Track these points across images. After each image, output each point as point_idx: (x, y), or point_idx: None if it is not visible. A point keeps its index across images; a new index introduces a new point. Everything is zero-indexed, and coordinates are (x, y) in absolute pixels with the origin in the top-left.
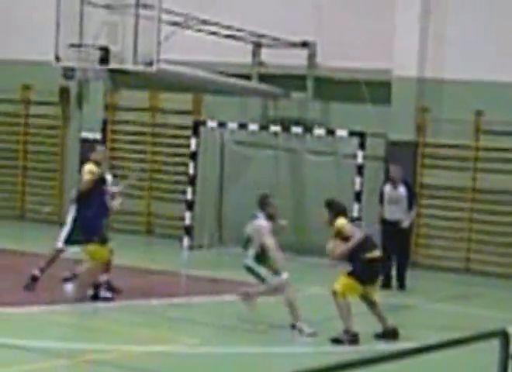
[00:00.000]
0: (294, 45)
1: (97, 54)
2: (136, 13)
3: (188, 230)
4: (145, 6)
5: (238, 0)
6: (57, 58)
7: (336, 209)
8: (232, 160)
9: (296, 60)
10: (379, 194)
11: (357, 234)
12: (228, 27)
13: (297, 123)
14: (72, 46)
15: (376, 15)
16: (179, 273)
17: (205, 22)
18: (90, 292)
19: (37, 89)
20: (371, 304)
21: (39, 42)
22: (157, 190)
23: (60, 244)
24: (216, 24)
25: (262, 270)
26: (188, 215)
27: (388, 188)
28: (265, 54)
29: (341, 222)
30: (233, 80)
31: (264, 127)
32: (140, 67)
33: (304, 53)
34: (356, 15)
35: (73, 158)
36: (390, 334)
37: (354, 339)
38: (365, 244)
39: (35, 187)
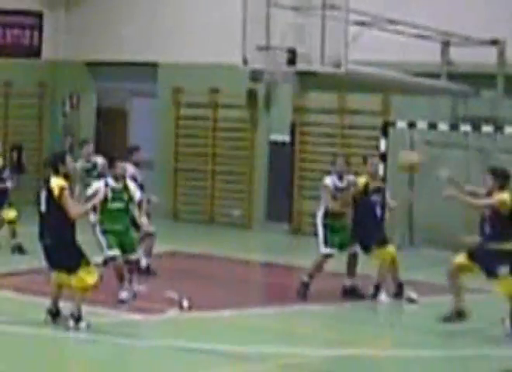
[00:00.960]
0: (483, 43)
1: (284, 56)
2: (322, 14)
3: None
4: (332, 7)
5: None
6: (245, 61)
7: (502, 179)
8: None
9: (486, 57)
10: None
11: None
12: (416, 26)
13: (487, 122)
14: (259, 48)
15: None
16: (369, 275)
17: (392, 22)
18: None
19: (225, 92)
20: None
21: (226, 45)
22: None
23: (323, 249)
24: (403, 23)
25: None
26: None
27: None
28: (454, 52)
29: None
30: (421, 79)
31: (454, 126)
32: (329, 69)
33: (494, 50)
34: None
35: (262, 161)
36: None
37: None
38: None
39: (224, 191)
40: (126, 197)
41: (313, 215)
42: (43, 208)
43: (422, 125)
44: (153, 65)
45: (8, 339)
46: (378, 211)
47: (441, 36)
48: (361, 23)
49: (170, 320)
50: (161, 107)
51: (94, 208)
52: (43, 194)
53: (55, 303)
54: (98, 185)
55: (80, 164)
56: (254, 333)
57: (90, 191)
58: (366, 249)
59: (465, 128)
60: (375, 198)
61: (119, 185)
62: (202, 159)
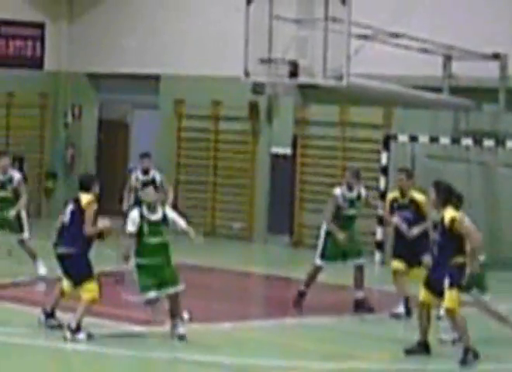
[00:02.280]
0: (485, 57)
1: (286, 69)
2: (325, 27)
3: (380, 245)
4: (334, 20)
5: (428, 12)
6: (247, 73)
7: (443, 194)
8: (423, 174)
9: (488, 72)
10: None
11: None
12: (418, 40)
13: (489, 136)
14: (261, 61)
15: None
16: (370, 288)
17: (394, 35)
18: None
19: (227, 105)
20: None
21: (228, 57)
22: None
23: (317, 261)
24: (405, 36)
25: None
26: (379, 230)
27: None
28: (456, 66)
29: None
30: (423, 93)
31: (455, 140)
32: (330, 82)
33: (496, 64)
34: None
35: (263, 173)
36: None
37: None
38: None
39: (225, 203)
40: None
41: (314, 228)
42: (66, 219)
43: (423, 138)
44: (155, 77)
45: (9, 350)
46: (404, 227)
47: (442, 49)
48: (364, 36)
49: (170, 332)
50: (163, 119)
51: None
52: (69, 207)
53: (53, 308)
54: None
55: None
56: (255, 346)
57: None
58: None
59: (467, 142)
60: (404, 213)
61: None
62: (203, 171)
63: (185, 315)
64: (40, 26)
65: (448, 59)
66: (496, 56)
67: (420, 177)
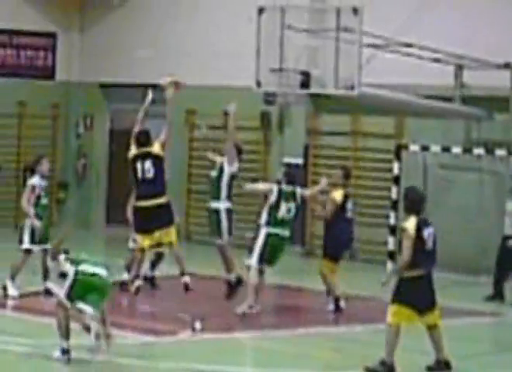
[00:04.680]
0: (497, 66)
1: (298, 79)
2: (336, 37)
3: (392, 255)
4: (345, 30)
5: (440, 22)
6: (258, 83)
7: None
8: (435, 183)
9: (499, 81)
10: None
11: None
12: (429, 49)
13: (501, 145)
14: (273, 70)
15: None
16: (381, 298)
17: (406, 45)
18: None
19: (238, 114)
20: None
21: (239, 67)
22: (359, 214)
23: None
24: (417, 46)
25: None
26: (391, 240)
27: None
28: (467, 76)
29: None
30: (435, 102)
31: (467, 150)
32: (342, 91)
33: (507, 74)
34: None
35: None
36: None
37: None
38: None
39: (237, 213)
40: None
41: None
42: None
43: (435, 148)
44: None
45: (16, 360)
46: None
47: (454, 59)
48: (375, 46)
49: (182, 342)
50: (174, 129)
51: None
52: (146, 163)
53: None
54: None
55: None
56: (267, 356)
57: None
58: None
59: (479, 151)
60: None
61: None
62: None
63: (197, 325)
64: (52, 36)
65: (459, 68)
66: (507, 66)
67: (432, 186)
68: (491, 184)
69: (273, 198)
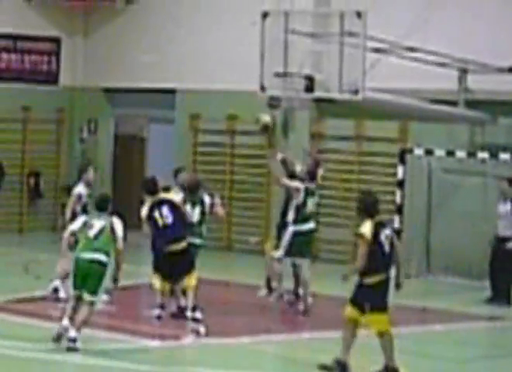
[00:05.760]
0: (501, 70)
1: (302, 83)
2: (340, 41)
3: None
4: (350, 34)
5: (444, 26)
6: (262, 87)
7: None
8: (439, 187)
9: (503, 85)
10: None
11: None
12: (433, 53)
13: (505, 149)
14: (277, 75)
15: None
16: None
17: (410, 49)
18: None
19: (242, 119)
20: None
21: (243, 71)
22: None
23: None
24: (421, 50)
25: None
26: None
27: None
28: (471, 80)
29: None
30: (439, 106)
31: (471, 154)
32: (346, 96)
33: (511, 78)
34: None
35: (279, 187)
36: None
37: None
38: None
39: (242, 218)
40: None
41: (331, 242)
42: (168, 220)
43: (439, 152)
44: (171, 91)
45: (18, 364)
46: None
47: (458, 63)
48: (379, 50)
49: (186, 346)
50: (179, 133)
51: None
52: (164, 208)
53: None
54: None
55: None
56: (272, 360)
57: None
58: None
59: (483, 155)
60: None
61: None
62: (219, 185)
63: (202, 329)
64: (56, 41)
65: (463, 72)
66: (511, 70)
67: (436, 190)
68: (495, 188)
69: (301, 195)
